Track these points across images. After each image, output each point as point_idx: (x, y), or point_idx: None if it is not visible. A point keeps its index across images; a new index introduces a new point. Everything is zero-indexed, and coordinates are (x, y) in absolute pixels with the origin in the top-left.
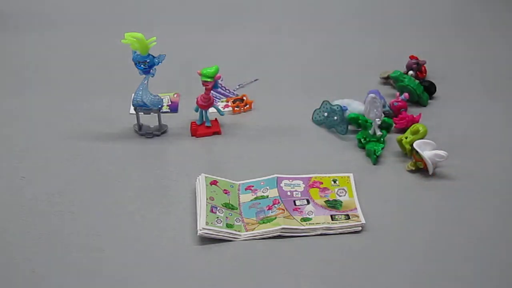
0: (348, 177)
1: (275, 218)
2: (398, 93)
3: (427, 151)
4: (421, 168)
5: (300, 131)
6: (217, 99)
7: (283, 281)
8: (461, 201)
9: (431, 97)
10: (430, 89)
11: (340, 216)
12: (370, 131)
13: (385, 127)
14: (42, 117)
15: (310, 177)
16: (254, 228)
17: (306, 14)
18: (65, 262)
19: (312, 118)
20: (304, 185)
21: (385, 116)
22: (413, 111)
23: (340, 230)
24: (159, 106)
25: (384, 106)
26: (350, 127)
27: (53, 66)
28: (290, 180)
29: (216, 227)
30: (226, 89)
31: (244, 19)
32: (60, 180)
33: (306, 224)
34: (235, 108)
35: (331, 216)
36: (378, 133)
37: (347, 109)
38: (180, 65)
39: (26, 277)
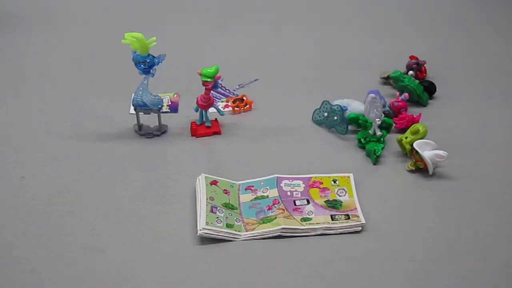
0: (348, 177)
1: (275, 218)
2: (398, 93)
3: (427, 151)
4: (421, 168)
5: (300, 131)
6: (217, 99)
7: (283, 281)
8: (461, 201)
9: (431, 97)
10: (430, 89)
11: (340, 216)
12: (370, 131)
13: (385, 127)
14: (42, 117)
15: (310, 177)
16: (254, 228)
17: (306, 14)
18: (65, 262)
19: (312, 118)
20: (304, 185)
21: (385, 116)
22: (413, 111)
23: (340, 230)
24: (159, 106)
25: (384, 106)
26: (350, 127)
27: (53, 66)
28: (290, 180)
29: (216, 227)
30: (226, 89)
31: (244, 19)
32: (60, 180)
33: (306, 224)
34: (235, 108)
35: (331, 216)
36: (378, 133)
37: (347, 109)
38: (180, 65)
39: (26, 277)
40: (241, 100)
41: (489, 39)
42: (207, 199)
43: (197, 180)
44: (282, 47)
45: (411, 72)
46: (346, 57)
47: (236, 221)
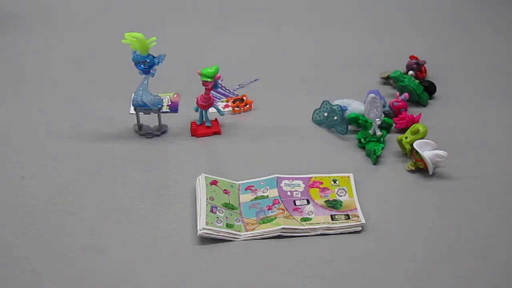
0: (348, 177)
1: (275, 218)
2: (398, 93)
3: (427, 151)
4: (421, 168)
5: (300, 131)
6: (217, 99)
7: (283, 281)
8: (461, 201)
9: (431, 97)
10: (430, 89)
11: (340, 216)
12: (370, 131)
13: (385, 127)
14: (42, 117)
15: (310, 177)
16: (254, 228)
17: (306, 14)
18: (65, 262)
19: (312, 118)
20: (304, 185)
21: (385, 116)
22: (413, 111)
23: (340, 230)
24: (159, 106)
25: (384, 106)
26: (350, 127)
27: (53, 66)
28: (290, 180)
29: (216, 227)
30: (226, 89)
31: (244, 19)
32: (60, 180)
33: (306, 224)
34: (235, 108)
35: (331, 216)
36: (378, 133)
37: (347, 109)
38: (180, 65)
39: (26, 277)
40: (241, 100)
41: (489, 39)
42: (207, 199)
43: (197, 180)
44: (282, 47)
45: (411, 72)
46: (346, 57)
47: (236, 221)
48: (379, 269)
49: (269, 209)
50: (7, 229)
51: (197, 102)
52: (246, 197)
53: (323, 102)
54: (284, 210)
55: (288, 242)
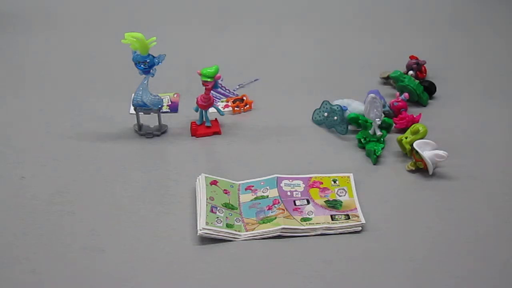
0: (348, 177)
1: (275, 218)
2: (398, 93)
3: (427, 151)
4: (421, 168)
5: (300, 131)
6: (217, 99)
7: (283, 281)
8: (461, 201)
9: (431, 97)
10: (430, 89)
11: (340, 216)
12: (370, 131)
13: (385, 127)
14: (42, 117)
15: (310, 177)
16: (254, 228)
17: (306, 14)
18: (65, 262)
19: (312, 118)
20: (304, 185)
21: (385, 116)
22: (413, 111)
23: (340, 230)
24: (159, 106)
25: (384, 106)
26: (350, 127)
27: (53, 66)
28: (290, 180)
29: (216, 227)
30: (226, 89)
31: (244, 19)
32: (60, 180)
33: (306, 224)
34: (235, 108)
35: (331, 216)
36: (378, 133)
37: (347, 109)
38: (180, 65)
39: (26, 277)
40: (241, 100)
41: (489, 39)
42: (207, 199)
43: (197, 180)
44: (282, 47)
45: (411, 72)
46: (346, 57)
47: (236, 221)
48: (379, 269)
49: (269, 209)
50: (7, 229)
51: (197, 102)
52: (246, 197)
53: (323, 102)
54: (284, 210)
55: (288, 242)
